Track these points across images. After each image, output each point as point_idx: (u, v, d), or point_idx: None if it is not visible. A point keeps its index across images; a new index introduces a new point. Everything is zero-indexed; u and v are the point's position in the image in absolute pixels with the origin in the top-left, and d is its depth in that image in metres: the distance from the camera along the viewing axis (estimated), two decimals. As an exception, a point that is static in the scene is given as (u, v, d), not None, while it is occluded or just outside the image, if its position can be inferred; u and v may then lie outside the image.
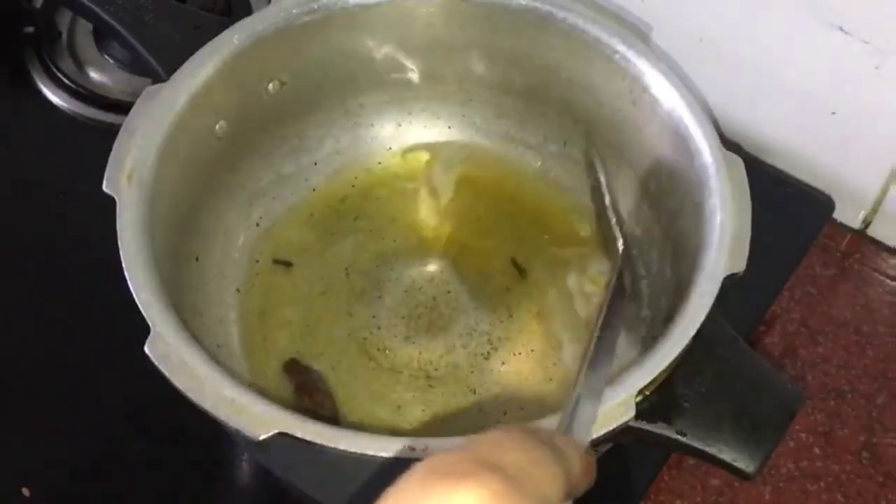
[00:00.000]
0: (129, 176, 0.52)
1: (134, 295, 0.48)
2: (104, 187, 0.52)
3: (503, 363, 0.59)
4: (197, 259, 0.58)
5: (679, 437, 0.47)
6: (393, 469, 0.44)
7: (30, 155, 0.72)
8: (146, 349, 0.46)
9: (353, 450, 0.43)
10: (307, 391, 0.57)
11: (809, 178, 0.70)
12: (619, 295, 0.52)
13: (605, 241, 0.62)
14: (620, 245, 0.58)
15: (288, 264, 0.62)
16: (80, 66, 0.76)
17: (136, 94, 0.56)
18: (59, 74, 0.74)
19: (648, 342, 0.50)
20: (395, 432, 0.56)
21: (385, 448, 0.43)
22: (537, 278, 0.62)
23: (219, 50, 0.57)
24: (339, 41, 0.62)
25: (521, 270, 0.63)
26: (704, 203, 0.52)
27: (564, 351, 0.60)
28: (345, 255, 0.63)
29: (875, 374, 0.64)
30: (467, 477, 0.31)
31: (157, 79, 0.57)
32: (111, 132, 0.54)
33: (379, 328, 0.60)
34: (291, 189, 0.65)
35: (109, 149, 0.54)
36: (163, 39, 0.60)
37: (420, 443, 0.44)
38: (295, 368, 0.58)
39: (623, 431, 0.46)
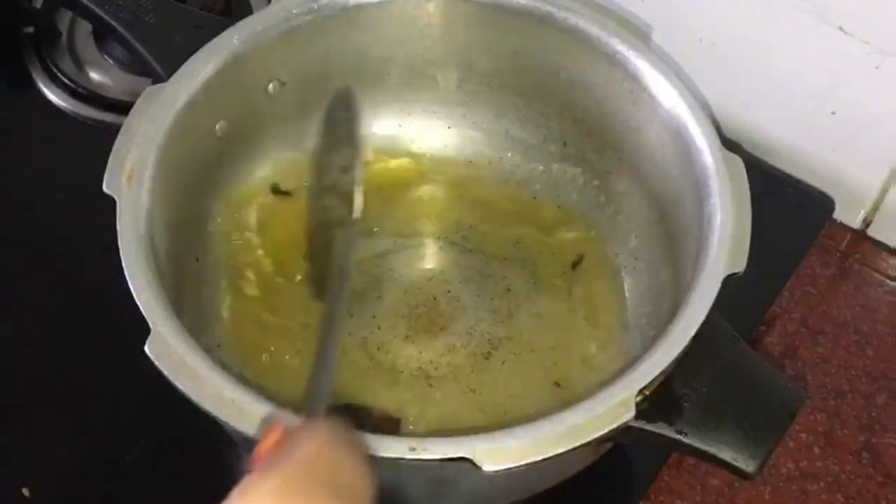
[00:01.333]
0: (129, 176, 0.52)
1: (134, 295, 0.48)
2: (104, 187, 0.52)
3: (503, 363, 0.59)
4: (197, 259, 0.58)
5: (679, 437, 0.47)
6: (393, 469, 0.44)
7: (30, 155, 0.72)
8: (146, 349, 0.46)
9: (353, 450, 0.43)
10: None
11: (809, 178, 0.70)
12: (342, 277, 0.50)
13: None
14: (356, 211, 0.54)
15: (287, 193, 0.62)
16: (80, 66, 0.76)
17: (136, 94, 0.56)
18: (59, 74, 0.74)
19: (649, 342, 0.50)
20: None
21: (385, 448, 0.43)
22: (537, 278, 0.63)
23: (219, 50, 0.57)
24: (339, 41, 0.62)
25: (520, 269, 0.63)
26: (704, 203, 0.52)
27: (564, 350, 0.60)
28: (345, 255, 0.63)
29: (875, 374, 0.64)
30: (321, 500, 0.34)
31: (157, 79, 0.57)
32: (111, 132, 0.54)
33: (379, 328, 0.60)
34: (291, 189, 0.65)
35: (109, 149, 0.54)
36: (163, 39, 0.60)
37: (420, 443, 0.44)
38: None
39: (623, 431, 0.46)
